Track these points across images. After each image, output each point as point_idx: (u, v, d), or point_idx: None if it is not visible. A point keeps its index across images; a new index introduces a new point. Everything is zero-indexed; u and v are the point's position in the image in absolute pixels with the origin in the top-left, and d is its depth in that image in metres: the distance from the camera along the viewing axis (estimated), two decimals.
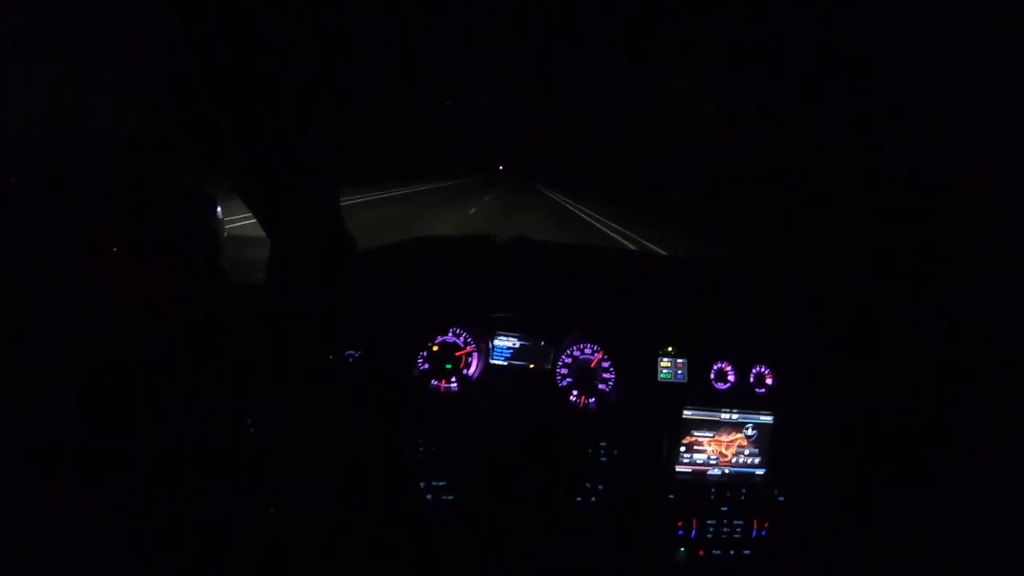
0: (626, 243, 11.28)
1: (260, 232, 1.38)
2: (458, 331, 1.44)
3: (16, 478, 1.03)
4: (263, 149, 1.24)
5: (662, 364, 1.46)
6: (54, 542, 1.03)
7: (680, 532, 1.42)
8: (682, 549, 1.41)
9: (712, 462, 1.48)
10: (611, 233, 12.98)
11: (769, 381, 1.49)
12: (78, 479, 1.09)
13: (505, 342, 1.44)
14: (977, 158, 1.19)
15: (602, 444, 1.37)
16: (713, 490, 1.46)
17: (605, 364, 1.46)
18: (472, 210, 15.21)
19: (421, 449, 1.33)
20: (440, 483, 1.34)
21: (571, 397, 1.45)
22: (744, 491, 1.48)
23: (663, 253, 7.85)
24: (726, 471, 1.49)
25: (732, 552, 1.46)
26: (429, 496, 1.33)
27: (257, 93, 1.18)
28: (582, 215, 17.50)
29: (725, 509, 1.47)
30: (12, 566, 0.99)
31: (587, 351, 1.47)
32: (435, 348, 1.42)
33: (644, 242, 11.34)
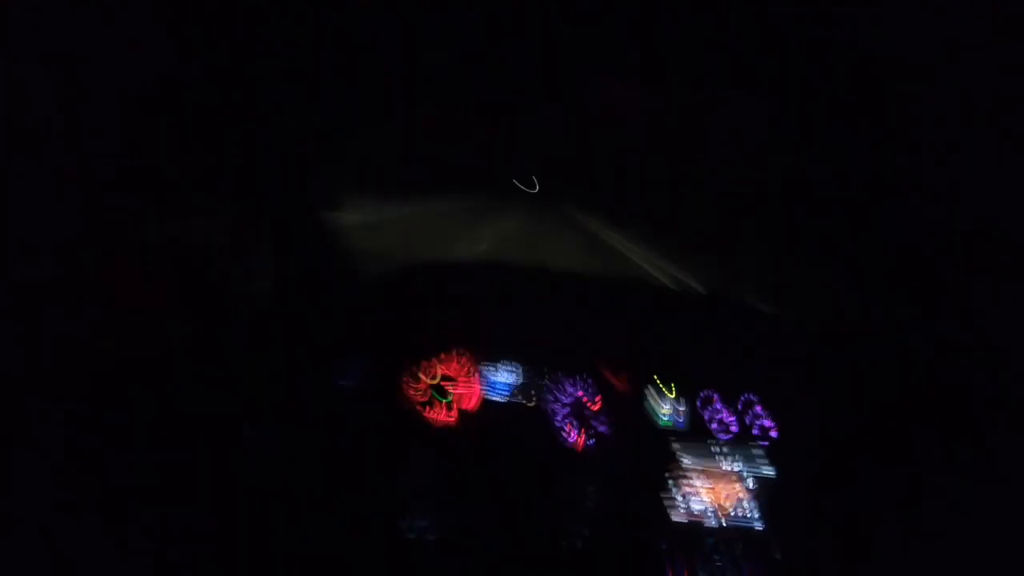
0: (650, 269, 10.98)
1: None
2: (460, 362, 1.41)
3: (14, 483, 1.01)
4: (265, 162, 1.24)
5: (662, 410, 1.42)
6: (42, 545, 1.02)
7: None
8: None
9: (709, 512, 1.44)
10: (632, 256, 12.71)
11: (773, 434, 1.45)
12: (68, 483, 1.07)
13: (504, 377, 1.42)
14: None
15: (590, 488, 1.34)
16: (709, 541, 1.42)
17: (604, 405, 1.43)
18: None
19: (410, 483, 1.30)
20: (423, 523, 1.31)
21: (569, 438, 1.42)
22: (740, 544, 1.44)
23: (665, 283, 7.69)
24: (723, 523, 1.45)
25: None
26: (412, 535, 1.31)
27: (261, 106, 1.17)
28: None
29: (719, 562, 1.43)
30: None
31: (589, 391, 1.43)
32: (433, 380, 1.40)
33: (666, 267, 11.08)
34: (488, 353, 1.42)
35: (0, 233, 1.10)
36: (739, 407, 1.44)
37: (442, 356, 1.41)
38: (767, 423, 1.45)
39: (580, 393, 1.44)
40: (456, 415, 1.41)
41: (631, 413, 1.42)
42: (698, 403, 1.44)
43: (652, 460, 1.39)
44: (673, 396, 1.43)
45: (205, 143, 1.24)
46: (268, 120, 1.21)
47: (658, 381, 1.43)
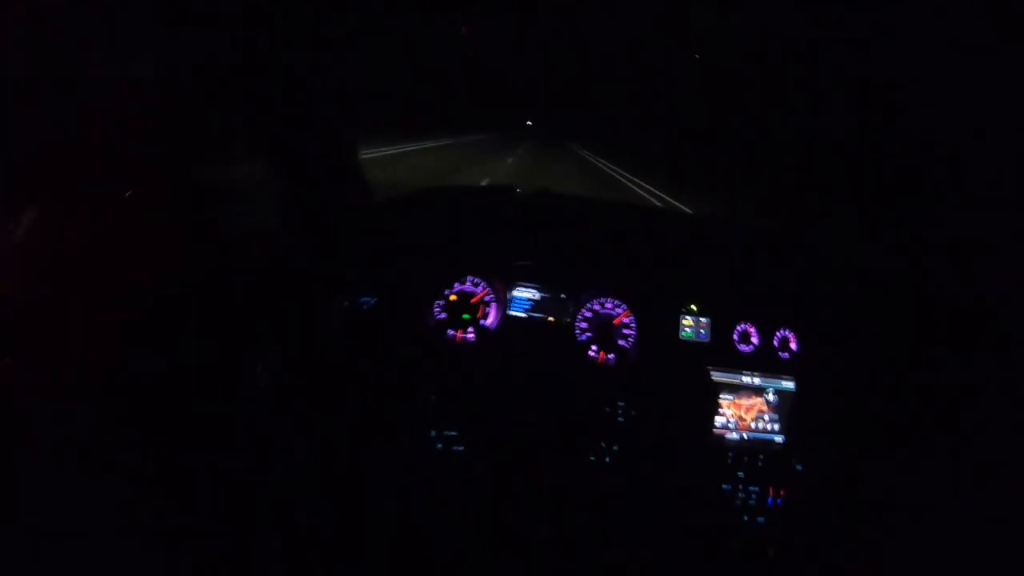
0: (652, 200, 10.83)
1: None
2: (476, 280, 1.39)
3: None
4: (274, 89, 1.20)
5: (684, 322, 1.42)
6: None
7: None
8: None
9: (731, 426, 1.44)
10: (638, 190, 12.55)
11: (793, 346, 1.45)
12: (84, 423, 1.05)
13: (524, 293, 1.40)
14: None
15: (620, 404, 1.34)
16: (731, 455, 1.43)
17: (626, 320, 1.42)
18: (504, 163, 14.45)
19: (434, 398, 1.30)
20: (451, 432, 1.31)
21: (590, 352, 1.41)
22: (762, 457, 1.45)
23: (689, 211, 7.57)
24: (745, 436, 1.46)
25: (745, 518, 1.43)
26: (440, 445, 1.31)
27: (261, 28, 1.13)
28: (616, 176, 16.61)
29: (741, 475, 1.44)
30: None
31: (608, 306, 1.42)
32: (453, 297, 1.38)
33: (671, 200, 10.95)
34: (507, 271, 1.40)
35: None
36: (761, 320, 1.44)
37: (461, 275, 1.39)
38: (788, 335, 1.44)
39: (600, 308, 1.43)
40: (476, 332, 1.39)
41: (652, 327, 1.41)
42: (720, 316, 1.43)
43: (673, 374, 1.39)
44: (696, 312, 1.42)
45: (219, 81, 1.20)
46: (282, 54, 1.17)
47: (681, 295, 1.42)
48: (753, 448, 1.45)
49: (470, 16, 1.33)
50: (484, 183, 13.38)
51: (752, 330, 1.43)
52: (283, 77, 1.17)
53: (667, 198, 11.26)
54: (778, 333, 1.44)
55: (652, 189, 12.89)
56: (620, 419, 1.34)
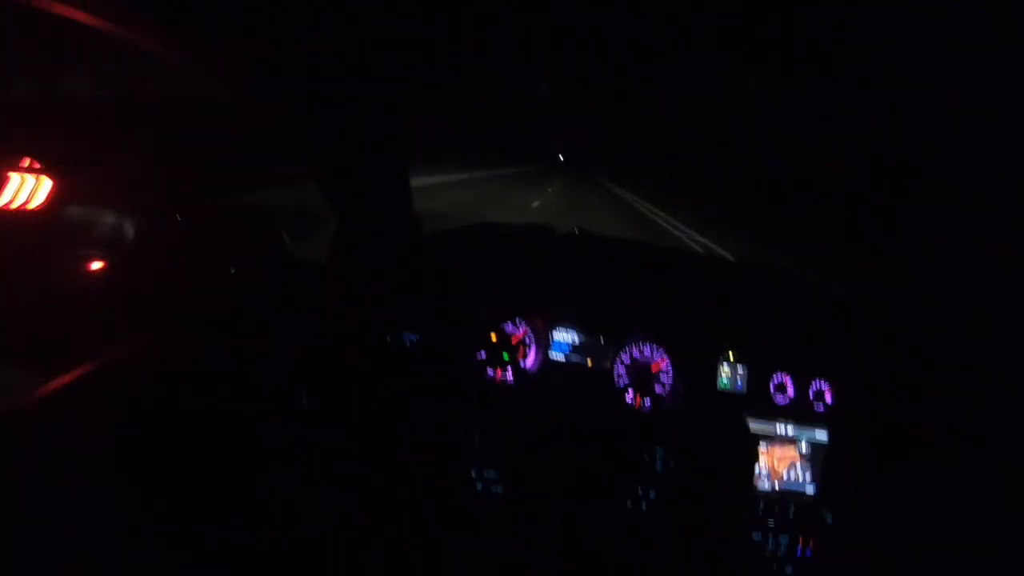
0: (689, 243, 10.89)
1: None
2: (518, 322, 1.41)
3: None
4: (340, 122, 1.23)
5: (722, 371, 1.43)
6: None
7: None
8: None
9: (763, 475, 1.45)
10: (674, 231, 12.61)
11: (828, 399, 1.46)
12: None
13: (564, 337, 1.42)
14: None
15: (658, 450, 1.35)
16: (761, 504, 1.44)
17: (664, 367, 1.43)
18: (535, 203, 14.72)
19: (477, 438, 1.31)
20: (491, 474, 1.32)
21: (627, 398, 1.42)
22: (792, 507, 1.45)
23: (728, 256, 7.56)
24: (776, 486, 1.46)
25: (775, 567, 1.43)
26: (479, 485, 1.31)
27: (340, 71, 1.16)
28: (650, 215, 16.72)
29: (772, 525, 1.44)
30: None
31: (647, 352, 1.44)
32: (493, 337, 1.40)
33: (707, 242, 11.03)
34: (548, 318, 1.42)
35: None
36: (798, 371, 1.45)
37: (503, 316, 1.41)
38: (823, 387, 1.46)
39: (639, 354, 1.44)
40: (515, 373, 1.41)
41: (690, 375, 1.42)
42: (757, 366, 1.44)
43: (711, 423, 1.40)
44: (732, 361, 1.43)
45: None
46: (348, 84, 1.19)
47: (719, 347, 1.43)
48: (784, 498, 1.45)
49: (537, 71, 1.37)
50: (535, 204, 13.54)
51: (788, 380, 1.45)
52: (346, 107, 1.20)
53: (701, 239, 11.36)
54: (814, 384, 1.45)
55: (683, 227, 13.10)
56: (658, 466, 1.35)
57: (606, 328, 1.42)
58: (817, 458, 1.47)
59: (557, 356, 1.41)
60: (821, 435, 1.46)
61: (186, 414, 1.07)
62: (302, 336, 1.32)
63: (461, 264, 1.42)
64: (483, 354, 1.39)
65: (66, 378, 0.81)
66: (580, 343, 1.42)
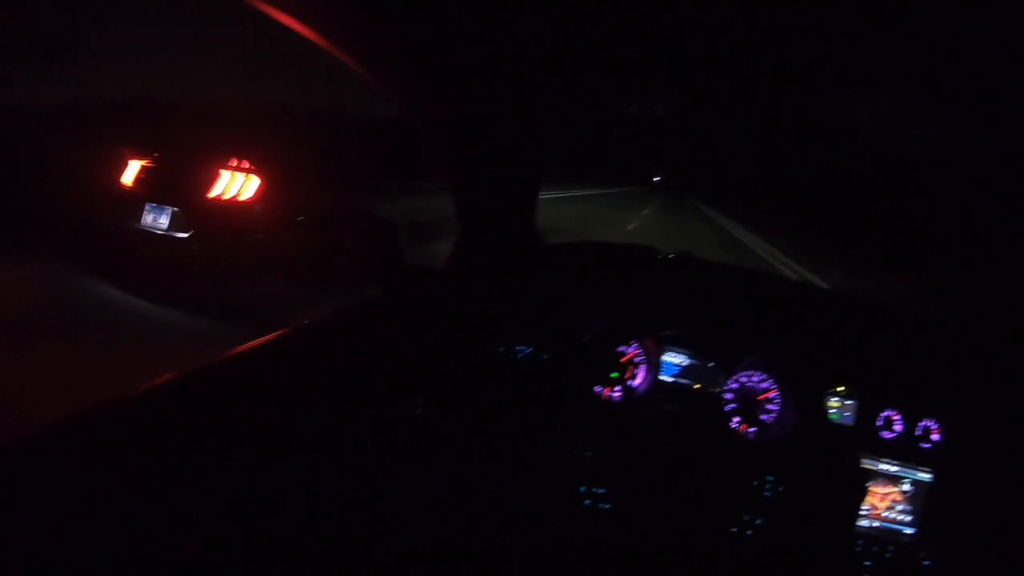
0: (785, 271, 10.70)
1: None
2: (630, 341, 1.42)
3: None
4: (470, 133, 1.26)
5: (830, 404, 1.42)
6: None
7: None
8: None
9: (863, 513, 1.43)
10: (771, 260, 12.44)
11: (935, 437, 1.45)
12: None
13: (674, 359, 1.43)
14: None
15: (768, 479, 1.34)
16: (860, 543, 1.42)
17: (772, 395, 1.44)
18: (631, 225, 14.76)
19: (589, 454, 1.31)
20: (600, 490, 1.32)
21: (732, 423, 1.42)
22: (891, 548, 1.43)
23: (824, 286, 7.38)
24: (875, 524, 1.44)
25: None
26: (587, 502, 1.31)
27: (490, 83, 1.20)
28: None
29: (868, 563, 1.42)
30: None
31: (755, 379, 1.44)
32: (605, 356, 1.41)
33: (800, 269, 10.92)
34: (660, 340, 1.43)
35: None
36: (907, 408, 1.44)
37: (617, 335, 1.42)
38: (931, 426, 1.45)
39: (747, 380, 1.45)
40: (624, 392, 1.42)
41: (798, 406, 1.42)
42: (866, 400, 1.43)
43: (819, 456, 1.39)
44: (843, 392, 1.43)
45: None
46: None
47: (828, 379, 1.43)
48: (882, 538, 1.43)
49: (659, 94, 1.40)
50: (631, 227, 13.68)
51: (896, 417, 1.44)
52: (478, 118, 1.23)
53: (796, 265, 11.18)
54: (922, 423, 1.44)
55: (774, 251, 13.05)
56: (767, 493, 1.34)
57: (716, 353, 1.43)
58: (919, 498, 1.45)
59: (666, 378, 1.42)
60: (925, 475, 1.45)
61: (291, 414, 1.07)
62: (418, 342, 1.34)
63: (575, 279, 1.44)
64: (594, 372, 1.40)
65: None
66: (690, 366, 1.43)
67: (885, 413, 1.44)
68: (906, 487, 1.45)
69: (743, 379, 1.44)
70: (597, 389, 1.41)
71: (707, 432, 1.40)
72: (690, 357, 1.43)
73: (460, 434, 1.32)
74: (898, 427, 1.44)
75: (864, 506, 1.43)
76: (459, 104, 1.20)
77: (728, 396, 1.43)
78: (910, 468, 1.44)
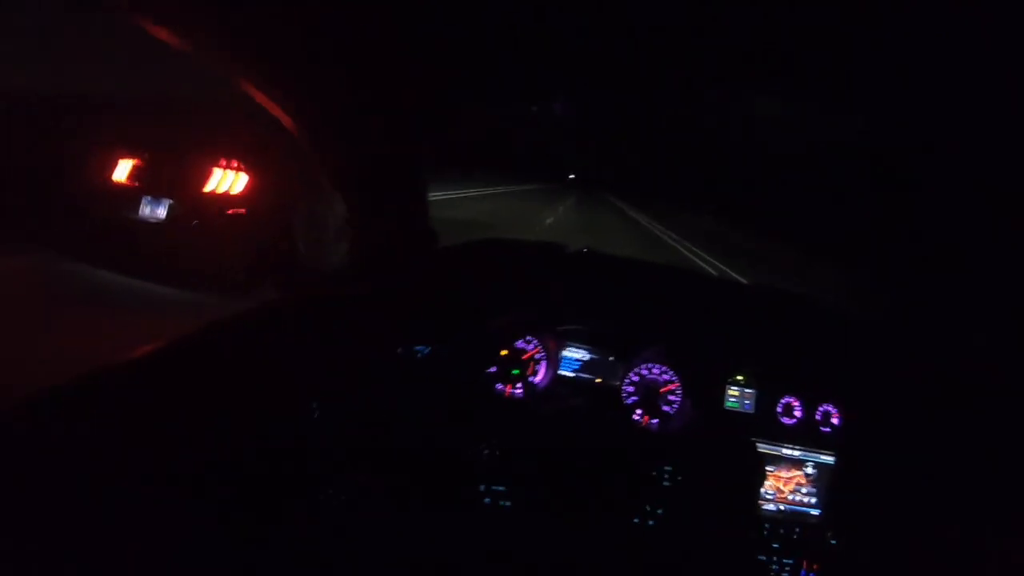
0: (702, 265, 11.06)
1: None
2: (529, 338, 1.43)
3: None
4: (358, 134, 1.25)
5: (730, 392, 1.44)
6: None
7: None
8: None
9: (768, 496, 1.46)
10: (685, 252, 12.92)
11: (835, 421, 1.47)
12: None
13: (575, 354, 1.43)
14: None
15: (666, 468, 1.36)
16: (767, 526, 1.44)
17: (673, 387, 1.45)
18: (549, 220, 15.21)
19: (487, 452, 1.32)
20: (499, 488, 1.33)
21: (635, 416, 1.44)
22: (797, 530, 1.46)
23: (738, 278, 7.64)
24: (781, 507, 1.47)
25: None
26: (487, 500, 1.32)
27: (369, 78, 1.18)
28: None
29: (776, 546, 1.45)
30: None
31: (656, 371, 1.45)
32: (504, 353, 1.41)
33: (717, 263, 11.19)
34: (559, 335, 1.43)
35: None
36: (805, 394, 1.46)
37: (515, 332, 1.42)
38: (831, 410, 1.47)
39: (648, 373, 1.46)
40: (525, 389, 1.42)
41: (698, 395, 1.43)
42: (765, 388, 1.45)
43: (718, 443, 1.41)
44: (742, 381, 1.44)
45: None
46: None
47: (727, 368, 1.44)
48: (789, 520, 1.46)
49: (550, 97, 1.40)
50: (549, 221, 13.98)
51: (796, 403, 1.46)
52: (363, 118, 1.22)
53: (715, 262, 11.49)
54: (821, 407, 1.46)
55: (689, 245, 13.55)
56: (666, 483, 1.36)
57: (616, 346, 1.43)
58: (823, 480, 1.47)
59: (567, 373, 1.43)
60: (827, 458, 1.47)
61: (196, 410, 1.07)
62: (313, 343, 1.34)
63: (474, 278, 1.44)
64: (494, 369, 1.40)
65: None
66: (590, 360, 1.44)
67: (785, 400, 1.45)
68: (809, 470, 1.47)
69: (644, 372, 1.45)
70: (499, 387, 1.41)
71: (608, 425, 1.41)
72: (590, 352, 1.44)
73: (358, 437, 1.33)
74: (798, 413, 1.46)
75: (769, 490, 1.46)
76: (332, 105, 1.19)
77: (629, 389, 1.44)
78: (812, 452, 1.46)
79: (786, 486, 1.47)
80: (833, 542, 1.47)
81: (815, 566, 1.44)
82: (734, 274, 9.85)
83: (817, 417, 1.46)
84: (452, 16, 1.15)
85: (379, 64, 1.18)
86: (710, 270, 10.19)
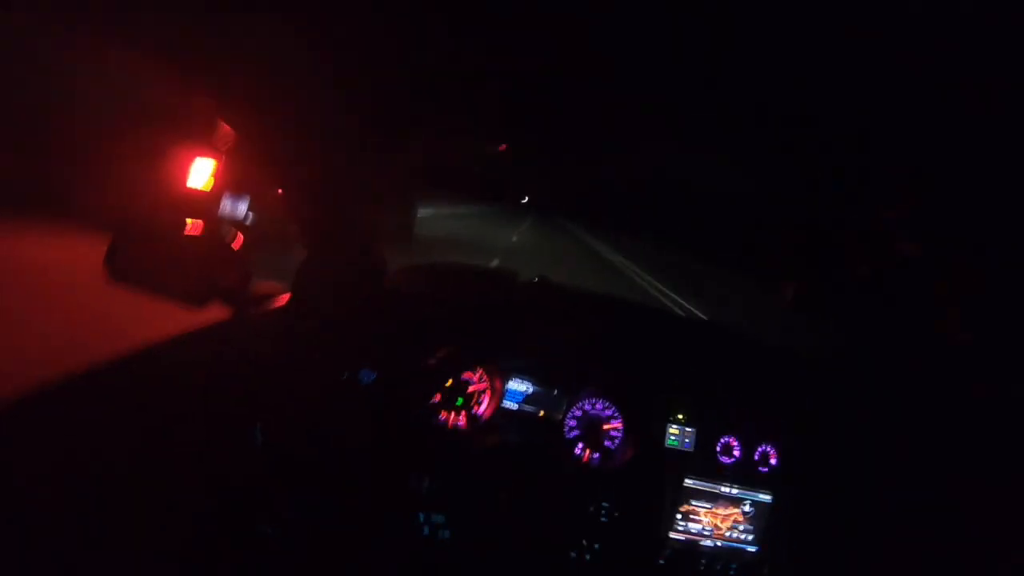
0: (657, 295, 11.18)
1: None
2: (474, 368, 1.44)
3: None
4: (317, 156, 1.26)
5: (671, 430, 1.46)
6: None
7: None
8: None
9: (706, 533, 1.48)
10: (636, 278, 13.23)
11: (773, 461, 1.50)
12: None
13: (519, 386, 1.45)
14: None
15: (604, 504, 1.37)
16: (703, 561, 1.47)
17: (615, 423, 1.47)
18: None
19: (427, 482, 1.33)
20: (438, 518, 1.34)
21: (576, 450, 1.45)
22: (733, 566, 1.48)
23: (682, 313, 7.67)
24: (718, 543, 1.49)
25: None
26: (426, 530, 1.33)
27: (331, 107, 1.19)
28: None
29: None
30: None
31: (599, 406, 1.47)
32: (449, 382, 1.42)
33: (670, 292, 11.37)
34: (504, 368, 1.45)
35: None
36: (744, 434, 1.48)
37: (460, 363, 1.44)
38: (769, 450, 1.49)
39: (590, 408, 1.47)
40: (468, 420, 1.43)
41: (638, 432, 1.45)
42: (705, 427, 1.47)
43: (654, 479, 1.43)
44: (682, 419, 1.47)
45: None
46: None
47: (668, 407, 1.47)
48: (726, 556, 1.48)
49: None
50: (514, 239, 14.29)
51: (735, 443, 1.48)
52: (317, 141, 1.23)
53: (669, 292, 11.71)
54: (760, 447, 1.49)
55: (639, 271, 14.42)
56: (603, 519, 1.38)
57: (560, 381, 1.45)
58: (760, 519, 1.50)
59: (510, 405, 1.44)
60: (765, 496, 1.49)
61: (148, 432, 1.08)
62: (257, 366, 1.34)
63: (422, 306, 1.45)
64: (437, 398, 1.42)
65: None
66: (534, 393, 1.45)
67: (724, 439, 1.48)
68: (747, 508, 1.50)
69: (587, 407, 1.47)
70: (443, 417, 1.42)
71: (550, 459, 1.42)
72: (534, 384, 1.45)
73: (299, 462, 1.33)
74: (737, 452, 1.48)
75: (707, 527, 1.48)
76: (280, 135, 1.20)
77: (572, 423, 1.46)
78: (750, 491, 1.49)
79: (724, 523, 1.49)
80: None
81: None
82: (687, 304, 10.08)
83: (755, 457, 1.49)
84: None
85: (340, 93, 1.19)
86: (671, 306, 10.32)
